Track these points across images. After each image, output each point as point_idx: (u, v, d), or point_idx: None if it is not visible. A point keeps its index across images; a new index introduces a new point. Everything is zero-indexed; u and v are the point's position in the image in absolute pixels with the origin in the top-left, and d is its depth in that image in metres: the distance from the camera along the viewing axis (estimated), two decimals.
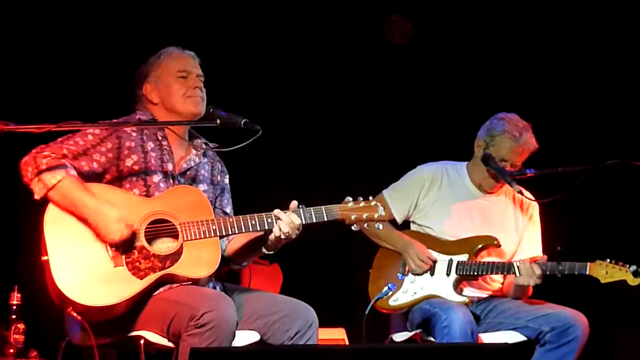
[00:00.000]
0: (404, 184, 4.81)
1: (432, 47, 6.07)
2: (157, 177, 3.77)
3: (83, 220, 3.59)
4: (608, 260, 4.46)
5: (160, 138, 3.85)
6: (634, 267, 4.43)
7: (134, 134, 3.81)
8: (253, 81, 5.87)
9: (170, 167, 3.82)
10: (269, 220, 3.70)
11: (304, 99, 6.05)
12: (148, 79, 3.89)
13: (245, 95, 5.58)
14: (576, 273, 4.48)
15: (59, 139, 3.70)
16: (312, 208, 3.73)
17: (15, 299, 4.47)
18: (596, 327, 4.57)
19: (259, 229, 3.71)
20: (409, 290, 4.64)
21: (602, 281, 4.47)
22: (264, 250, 3.84)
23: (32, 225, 3.67)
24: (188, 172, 3.88)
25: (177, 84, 3.86)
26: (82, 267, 3.56)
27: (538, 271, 4.47)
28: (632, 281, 4.43)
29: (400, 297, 4.63)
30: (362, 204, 3.77)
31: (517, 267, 4.51)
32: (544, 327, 4.47)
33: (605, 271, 4.45)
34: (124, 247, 3.59)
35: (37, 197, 3.60)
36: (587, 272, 4.46)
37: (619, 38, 5.93)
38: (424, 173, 4.80)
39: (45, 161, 3.60)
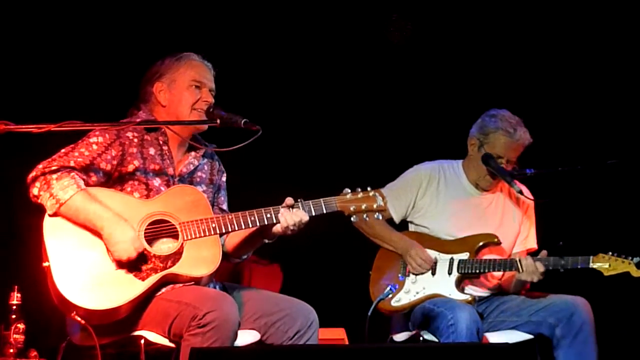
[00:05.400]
0: (401, 183, 4.81)
1: (429, 47, 6.08)
2: (157, 181, 3.78)
3: (91, 230, 3.60)
4: (610, 253, 4.46)
5: (161, 143, 3.85)
6: (637, 259, 4.44)
7: (135, 140, 3.80)
8: (253, 81, 5.87)
9: (170, 171, 3.82)
10: (268, 215, 3.70)
11: (303, 97, 6.05)
12: (162, 79, 3.87)
13: (245, 95, 5.58)
14: (579, 267, 4.48)
15: (63, 150, 3.68)
16: (310, 201, 3.73)
17: (15, 299, 4.46)
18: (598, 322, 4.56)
19: (258, 224, 3.71)
20: (411, 291, 4.63)
21: (606, 274, 4.47)
22: (265, 241, 3.85)
23: (32, 224, 3.66)
24: (187, 176, 3.88)
25: (189, 93, 3.85)
26: (83, 271, 3.56)
27: (541, 268, 4.47)
28: (636, 273, 4.44)
29: (403, 298, 4.63)
30: (361, 194, 3.75)
31: (520, 263, 4.51)
32: (548, 318, 4.47)
33: (608, 264, 4.46)
34: (129, 263, 3.59)
35: (49, 212, 3.59)
36: (590, 266, 4.47)
37: (618, 38, 5.93)
38: (420, 173, 4.80)
39: (55, 176, 3.59)
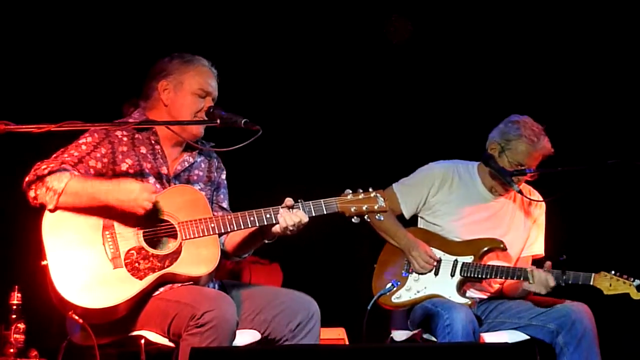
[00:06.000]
0: (414, 180, 4.80)
1: (432, 46, 6.08)
2: (152, 180, 3.77)
3: (95, 212, 3.58)
4: (613, 272, 4.45)
5: (153, 142, 3.85)
6: (637, 282, 4.43)
7: (124, 138, 3.80)
8: (253, 81, 5.87)
9: (164, 170, 3.83)
10: (268, 215, 3.70)
11: (304, 97, 6.05)
12: (168, 78, 3.86)
13: (245, 95, 5.58)
14: (580, 283, 4.48)
15: (54, 155, 3.70)
16: (311, 202, 3.73)
17: (15, 298, 4.47)
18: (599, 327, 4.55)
19: (257, 224, 3.71)
20: (412, 289, 4.63)
21: (605, 293, 4.46)
22: (265, 241, 3.85)
23: (32, 224, 3.67)
24: (182, 174, 3.88)
25: (193, 100, 3.84)
26: (81, 270, 3.56)
27: (552, 283, 4.45)
28: (636, 295, 4.42)
29: (403, 295, 4.63)
30: (362, 195, 3.75)
31: (532, 274, 4.49)
32: (548, 324, 4.46)
33: (609, 283, 4.45)
34: (151, 213, 3.58)
35: (50, 207, 3.59)
36: (591, 283, 4.46)
37: (618, 38, 5.93)
38: (434, 171, 4.78)
39: (47, 172, 3.60)
